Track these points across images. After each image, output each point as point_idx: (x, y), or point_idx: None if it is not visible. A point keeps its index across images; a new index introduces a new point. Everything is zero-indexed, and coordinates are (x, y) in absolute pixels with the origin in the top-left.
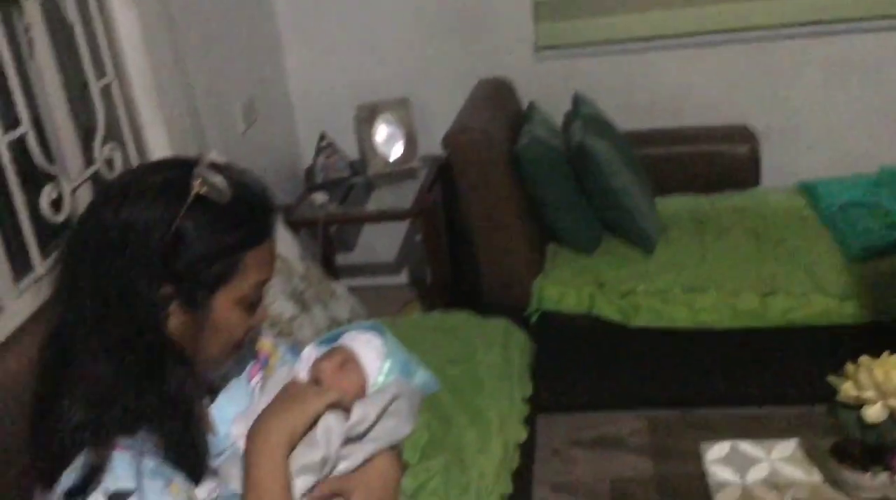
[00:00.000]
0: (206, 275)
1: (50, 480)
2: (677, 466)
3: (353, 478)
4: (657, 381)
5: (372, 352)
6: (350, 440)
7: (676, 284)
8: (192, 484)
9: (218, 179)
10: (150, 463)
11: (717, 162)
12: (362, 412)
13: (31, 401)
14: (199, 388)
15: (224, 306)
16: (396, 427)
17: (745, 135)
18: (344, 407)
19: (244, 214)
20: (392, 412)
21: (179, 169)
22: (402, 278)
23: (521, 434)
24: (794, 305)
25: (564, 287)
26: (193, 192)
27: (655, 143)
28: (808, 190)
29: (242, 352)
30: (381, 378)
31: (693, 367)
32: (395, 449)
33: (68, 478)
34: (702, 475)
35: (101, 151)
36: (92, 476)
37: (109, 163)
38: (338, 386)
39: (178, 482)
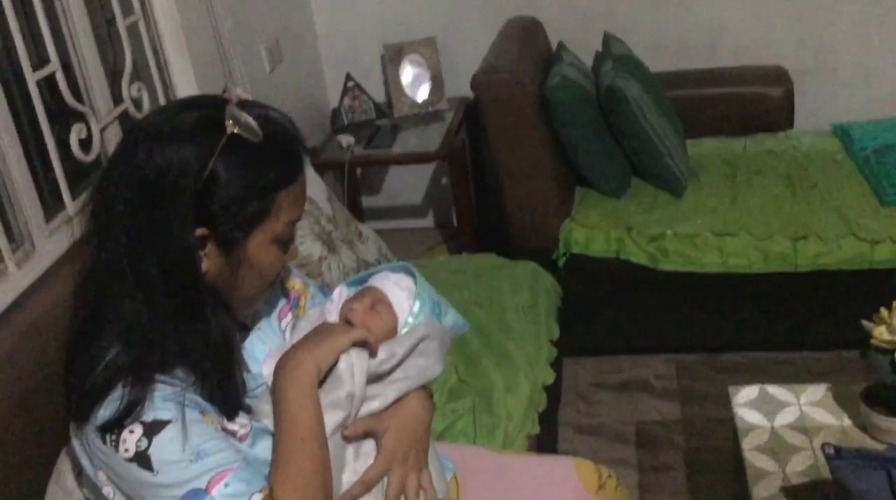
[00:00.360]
0: (241, 215)
1: (85, 415)
2: (704, 409)
3: (385, 418)
4: (685, 325)
5: (402, 293)
6: (378, 377)
7: (706, 228)
8: (224, 418)
9: (250, 119)
10: (186, 395)
11: (749, 104)
12: (389, 350)
13: (67, 339)
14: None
15: (259, 245)
16: (427, 367)
17: (779, 76)
18: (371, 346)
19: (276, 153)
20: (422, 352)
21: (211, 108)
22: (428, 220)
23: (549, 377)
24: (826, 249)
25: (592, 231)
26: (227, 132)
27: (687, 84)
28: (843, 133)
29: (274, 290)
30: (410, 320)
31: (722, 311)
32: (427, 390)
33: (105, 411)
34: (729, 419)
35: (128, 90)
36: (130, 410)
37: (137, 102)
38: (368, 326)
39: (212, 414)
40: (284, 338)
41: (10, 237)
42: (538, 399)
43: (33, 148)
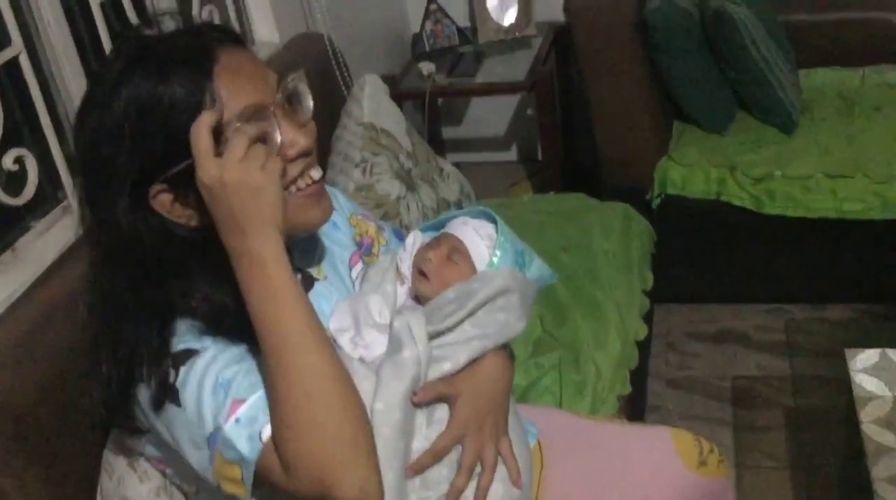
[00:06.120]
0: (163, 149)
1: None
2: (810, 366)
3: (458, 382)
4: (790, 274)
5: (483, 242)
6: (445, 332)
7: (819, 169)
8: None
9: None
10: None
11: (869, 30)
12: (457, 303)
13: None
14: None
15: None
16: (507, 324)
17: None
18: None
19: (155, 72)
20: (502, 307)
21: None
22: (511, 154)
23: (641, 330)
24: None
25: (691, 169)
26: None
27: (801, 8)
28: None
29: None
30: (490, 272)
31: (833, 260)
32: (507, 349)
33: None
34: (839, 379)
35: (199, 11)
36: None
37: None
38: (444, 278)
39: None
40: (354, 289)
41: (73, 172)
42: (629, 356)
43: None
